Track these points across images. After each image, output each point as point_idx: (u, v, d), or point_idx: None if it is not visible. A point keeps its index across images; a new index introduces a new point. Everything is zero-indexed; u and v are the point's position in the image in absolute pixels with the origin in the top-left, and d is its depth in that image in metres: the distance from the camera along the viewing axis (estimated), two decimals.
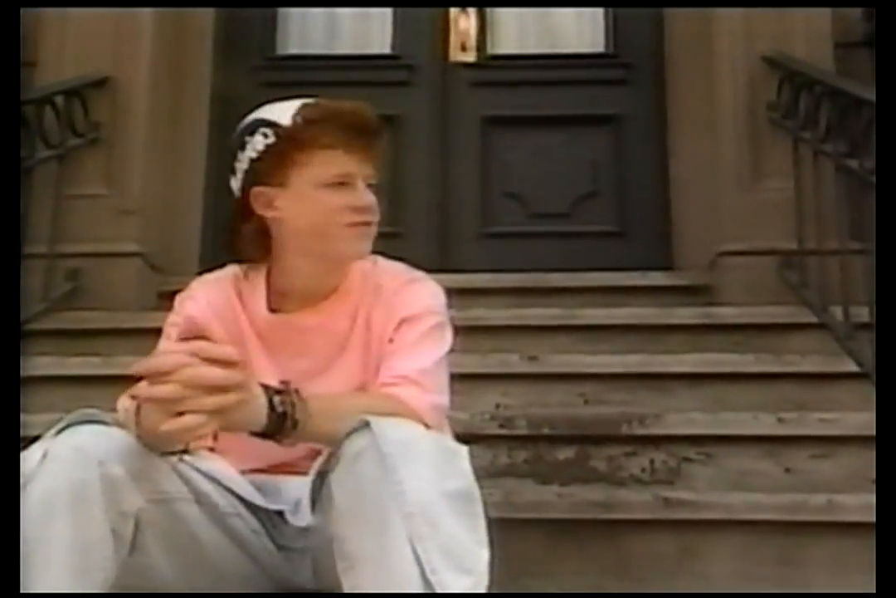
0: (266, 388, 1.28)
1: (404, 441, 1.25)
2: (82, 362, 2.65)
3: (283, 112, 1.51)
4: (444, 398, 1.51)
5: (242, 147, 1.53)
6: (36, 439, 1.34)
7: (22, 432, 1.71)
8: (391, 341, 1.53)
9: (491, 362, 2.52)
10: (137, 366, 1.21)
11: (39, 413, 2.18)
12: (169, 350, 1.25)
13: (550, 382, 2.53)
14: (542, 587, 1.85)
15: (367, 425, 1.26)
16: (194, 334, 1.25)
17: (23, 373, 2.43)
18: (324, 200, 1.49)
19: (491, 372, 2.48)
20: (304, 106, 1.50)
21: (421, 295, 1.58)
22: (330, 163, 1.49)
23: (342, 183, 1.49)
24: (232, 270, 1.62)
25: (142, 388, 1.22)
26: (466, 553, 1.21)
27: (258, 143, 1.51)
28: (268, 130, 1.50)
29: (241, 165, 1.54)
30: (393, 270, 1.61)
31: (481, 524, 1.25)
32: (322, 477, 1.35)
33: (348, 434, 1.27)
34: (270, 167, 1.50)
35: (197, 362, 1.20)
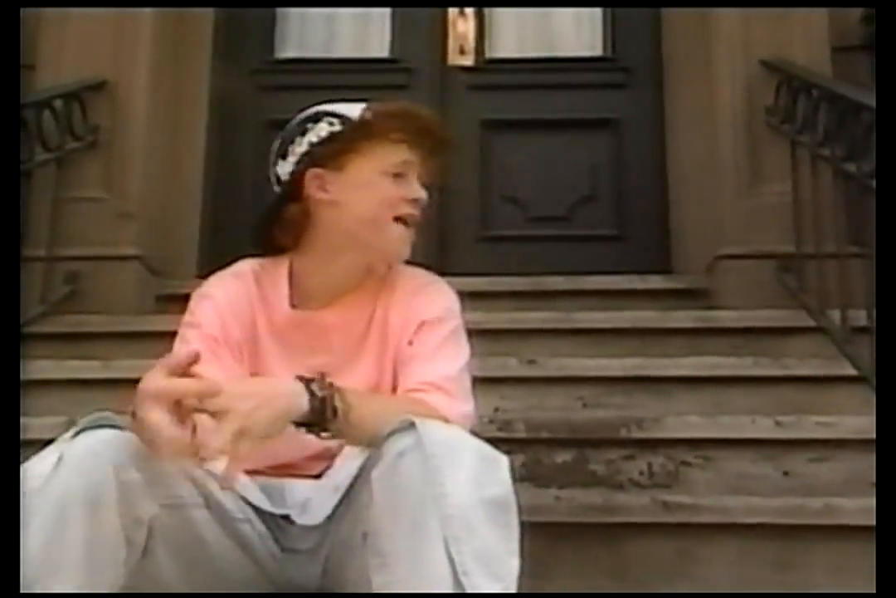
0: (300, 378, 1.30)
1: (448, 444, 1.26)
2: (81, 366, 2.65)
3: (350, 108, 1.55)
4: (470, 406, 1.52)
5: (303, 133, 1.56)
6: (37, 442, 1.34)
7: (22, 436, 1.72)
8: (410, 343, 1.54)
9: (489, 365, 2.52)
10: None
11: (39, 417, 2.18)
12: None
13: (549, 385, 2.53)
14: (541, 591, 1.85)
15: (411, 425, 1.27)
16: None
17: (22, 376, 2.43)
18: (380, 186, 1.54)
19: (489, 376, 2.47)
20: (375, 103, 1.55)
21: (440, 298, 1.60)
22: (394, 154, 1.54)
23: (400, 174, 1.54)
24: (249, 265, 1.63)
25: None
26: (498, 560, 1.22)
27: (322, 129, 1.54)
28: (334, 120, 1.54)
29: (300, 148, 1.56)
30: (410, 273, 1.64)
31: (515, 534, 1.26)
32: (357, 477, 1.37)
33: (392, 433, 1.28)
34: (331, 152, 1.54)
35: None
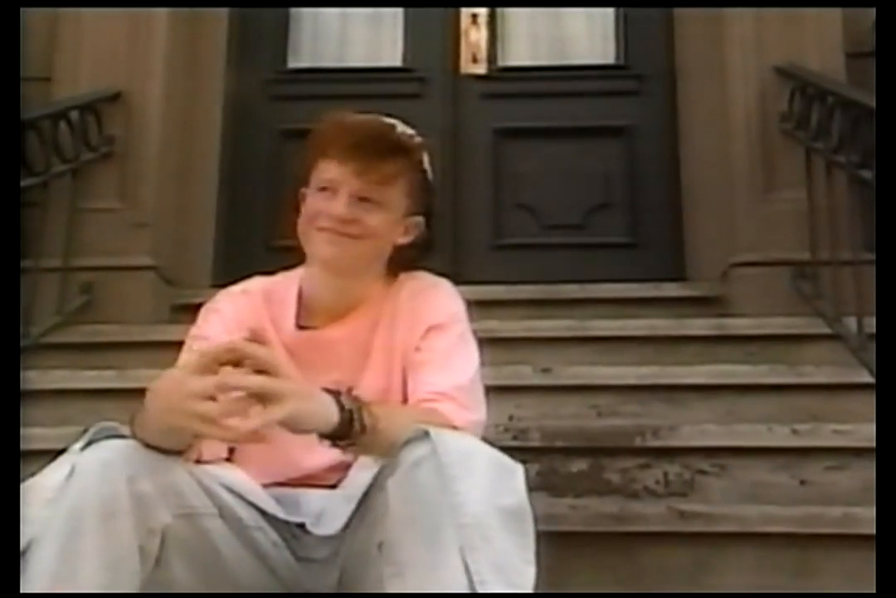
0: (329, 390, 1.30)
1: (463, 453, 1.26)
2: (96, 376, 2.66)
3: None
4: (481, 414, 1.52)
5: None
6: (51, 452, 1.34)
7: (37, 446, 1.73)
8: (418, 349, 1.54)
9: (504, 374, 2.52)
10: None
11: (54, 427, 2.19)
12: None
13: (564, 394, 2.52)
14: None
15: (426, 434, 1.27)
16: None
17: (37, 386, 2.45)
18: (310, 202, 1.55)
19: (504, 384, 2.47)
20: (325, 116, 1.56)
21: (444, 301, 1.60)
22: (325, 170, 1.54)
23: (326, 189, 1.54)
24: (260, 282, 1.65)
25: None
26: (514, 569, 1.22)
27: None
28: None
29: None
30: (413, 276, 1.64)
31: (530, 543, 1.26)
32: (371, 486, 1.37)
33: (407, 442, 1.28)
34: (305, 167, 1.57)
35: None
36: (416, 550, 1.22)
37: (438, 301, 1.60)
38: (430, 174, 1.62)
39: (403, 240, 1.60)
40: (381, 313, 1.59)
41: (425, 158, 1.61)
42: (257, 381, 1.20)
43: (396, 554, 1.24)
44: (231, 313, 1.58)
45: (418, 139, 1.59)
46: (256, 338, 1.29)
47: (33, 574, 1.20)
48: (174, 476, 1.32)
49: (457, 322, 1.58)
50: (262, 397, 1.19)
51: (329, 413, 1.27)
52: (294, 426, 1.23)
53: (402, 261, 1.63)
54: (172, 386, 1.22)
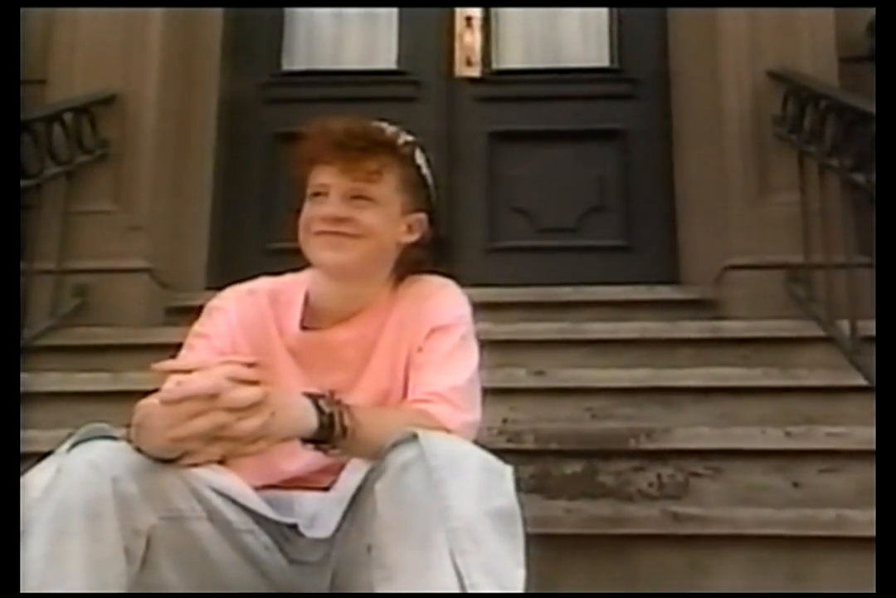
0: (309, 395, 1.30)
1: (452, 456, 1.26)
2: (90, 378, 2.65)
3: None
4: (475, 415, 1.52)
5: None
6: (45, 455, 1.34)
7: (30, 448, 1.72)
8: (420, 349, 1.54)
9: (498, 376, 2.52)
10: (174, 391, 1.22)
11: (48, 429, 2.19)
12: (203, 369, 1.25)
13: (558, 396, 2.52)
14: None
15: (414, 437, 1.27)
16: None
17: (31, 389, 2.44)
18: (305, 210, 1.55)
19: (498, 387, 2.46)
20: (307, 125, 1.55)
21: (450, 304, 1.60)
22: (315, 176, 1.55)
23: (317, 193, 1.54)
24: (267, 283, 1.64)
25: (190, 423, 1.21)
26: (505, 572, 1.22)
27: None
28: None
29: None
30: (421, 279, 1.64)
31: (520, 545, 1.26)
32: (360, 489, 1.37)
33: (394, 445, 1.28)
34: (301, 181, 1.57)
35: (231, 386, 1.21)
36: (405, 553, 1.22)
37: (444, 303, 1.60)
38: (424, 169, 1.61)
39: (408, 239, 1.59)
40: (388, 316, 1.59)
41: (417, 154, 1.60)
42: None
43: (385, 557, 1.24)
44: (235, 313, 1.58)
45: (406, 136, 1.58)
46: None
47: (21, 574, 1.20)
48: (161, 479, 1.32)
49: (460, 324, 1.58)
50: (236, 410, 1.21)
51: (307, 418, 1.28)
52: (270, 435, 1.24)
53: (411, 263, 1.62)
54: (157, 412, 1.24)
